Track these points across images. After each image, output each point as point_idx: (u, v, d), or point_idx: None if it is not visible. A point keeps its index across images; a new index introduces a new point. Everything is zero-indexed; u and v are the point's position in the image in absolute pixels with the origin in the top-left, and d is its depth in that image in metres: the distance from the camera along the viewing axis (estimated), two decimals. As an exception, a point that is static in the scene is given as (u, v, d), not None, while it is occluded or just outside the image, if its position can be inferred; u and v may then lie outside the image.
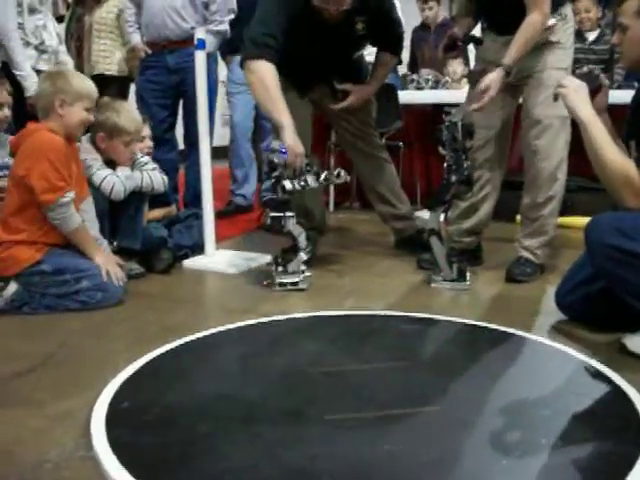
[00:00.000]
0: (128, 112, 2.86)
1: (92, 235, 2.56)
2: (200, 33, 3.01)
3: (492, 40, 2.81)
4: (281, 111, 2.67)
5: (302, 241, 2.68)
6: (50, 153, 2.37)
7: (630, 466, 1.34)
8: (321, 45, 2.84)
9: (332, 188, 4.37)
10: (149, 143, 3.22)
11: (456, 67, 4.62)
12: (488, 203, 2.95)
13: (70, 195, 2.41)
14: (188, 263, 3.05)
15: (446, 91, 4.13)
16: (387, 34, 3.05)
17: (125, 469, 1.34)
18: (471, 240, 3.00)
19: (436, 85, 4.23)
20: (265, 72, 2.69)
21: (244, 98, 4.04)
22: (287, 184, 2.64)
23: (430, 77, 4.24)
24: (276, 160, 2.64)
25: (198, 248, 3.12)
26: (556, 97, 2.04)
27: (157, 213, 3.25)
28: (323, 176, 2.71)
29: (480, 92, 2.59)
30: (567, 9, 2.73)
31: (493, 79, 2.57)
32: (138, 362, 1.90)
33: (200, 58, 3.00)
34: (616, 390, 1.70)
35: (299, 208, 2.85)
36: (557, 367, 1.91)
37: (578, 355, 1.94)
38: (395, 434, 1.49)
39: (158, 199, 3.22)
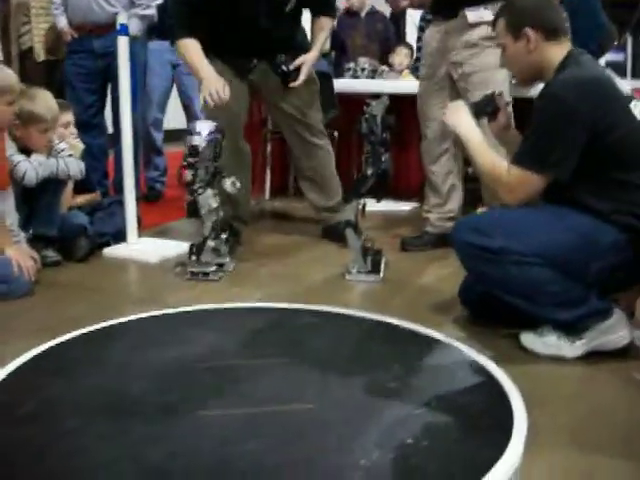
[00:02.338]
0: (43, 100, 2.79)
1: (7, 226, 2.52)
2: (122, 18, 2.96)
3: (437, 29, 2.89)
4: (201, 67, 2.90)
5: (207, 229, 2.67)
6: None
7: (489, 466, 1.36)
8: (252, 14, 2.86)
9: (268, 174, 4.34)
10: (73, 130, 3.16)
11: (403, 58, 4.58)
12: (456, 193, 3.08)
13: None
14: (108, 251, 3.02)
15: (383, 80, 4.13)
16: None
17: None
18: (450, 225, 2.99)
19: (373, 74, 4.22)
20: (187, 46, 2.94)
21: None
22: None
23: (367, 66, 4.23)
24: (196, 143, 2.61)
25: (121, 236, 3.09)
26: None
27: (80, 200, 3.22)
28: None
29: None
30: None
31: None
32: (27, 355, 1.88)
33: (122, 43, 2.96)
34: (498, 389, 1.70)
35: (223, 195, 2.82)
36: (444, 363, 1.92)
37: (468, 351, 1.94)
38: (263, 431, 1.50)
39: (83, 186, 3.19)
